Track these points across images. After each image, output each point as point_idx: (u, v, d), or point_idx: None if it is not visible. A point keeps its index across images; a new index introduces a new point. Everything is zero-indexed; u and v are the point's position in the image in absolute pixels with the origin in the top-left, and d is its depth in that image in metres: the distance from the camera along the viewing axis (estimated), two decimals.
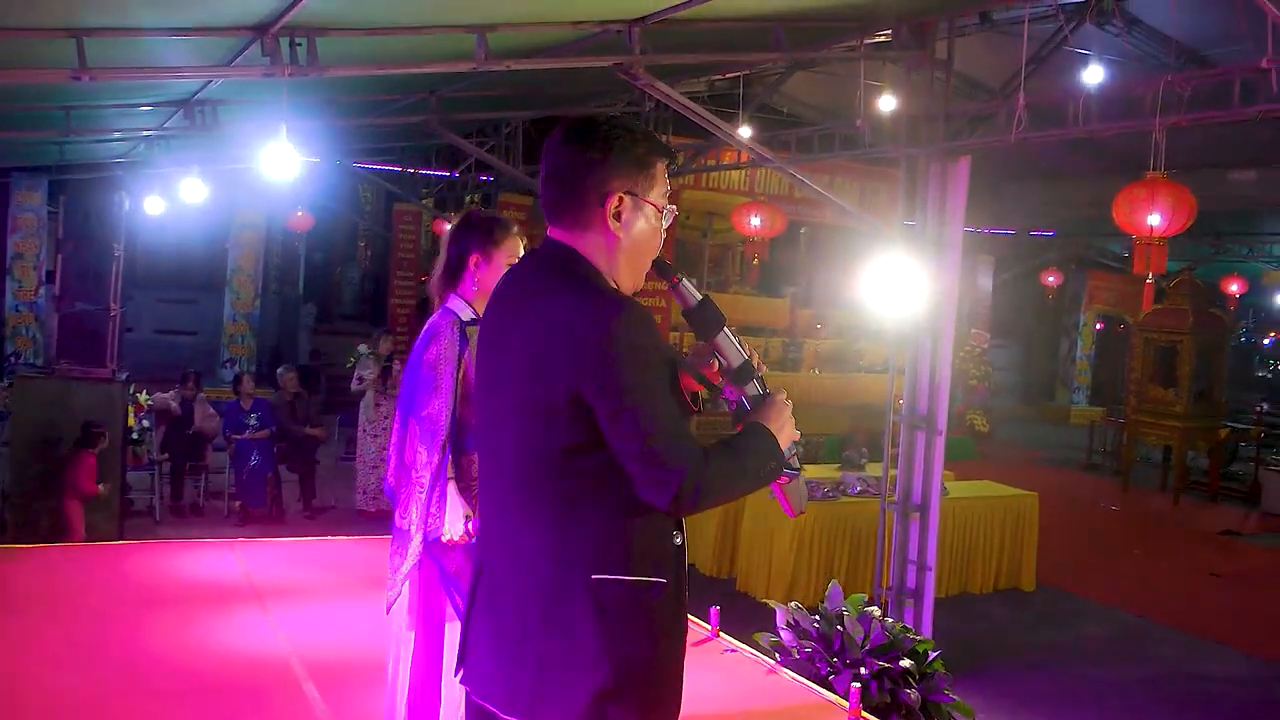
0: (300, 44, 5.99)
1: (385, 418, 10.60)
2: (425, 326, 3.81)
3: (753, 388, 2.31)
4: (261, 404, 11.18)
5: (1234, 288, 17.53)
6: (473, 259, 3.74)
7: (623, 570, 2.12)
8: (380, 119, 11.47)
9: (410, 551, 3.66)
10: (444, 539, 3.64)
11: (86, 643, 5.30)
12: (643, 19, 6.71)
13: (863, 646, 5.75)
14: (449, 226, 3.92)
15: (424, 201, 17.64)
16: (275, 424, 11.07)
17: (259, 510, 10.76)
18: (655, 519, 2.15)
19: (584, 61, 7.11)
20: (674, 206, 2.29)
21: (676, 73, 9.15)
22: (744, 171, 13.35)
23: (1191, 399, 15.56)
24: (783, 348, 16.61)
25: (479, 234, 3.77)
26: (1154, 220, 6.45)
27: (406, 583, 3.72)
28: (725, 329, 2.28)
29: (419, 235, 18.14)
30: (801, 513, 2.40)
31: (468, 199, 19.14)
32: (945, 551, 8.67)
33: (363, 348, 11.73)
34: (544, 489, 2.15)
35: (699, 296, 2.27)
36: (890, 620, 6.20)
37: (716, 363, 2.32)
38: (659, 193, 2.26)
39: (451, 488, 3.66)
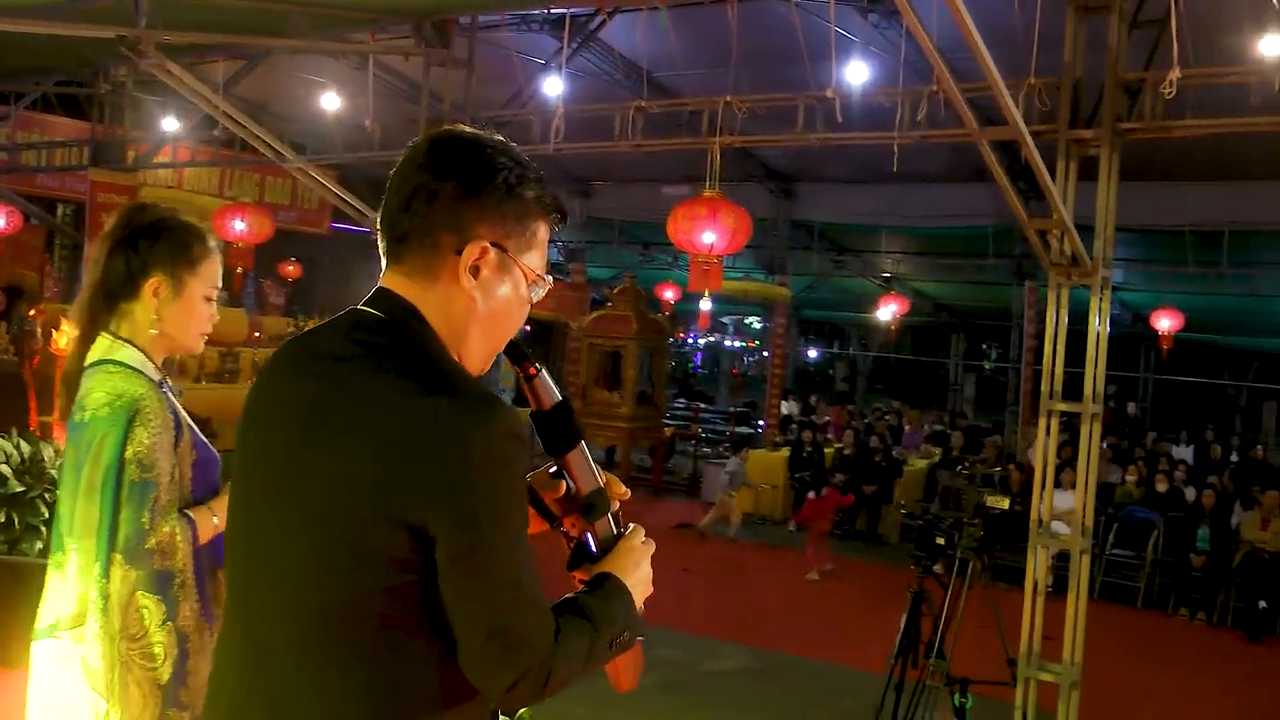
0: None
1: None
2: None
3: (605, 525, 1.80)
4: None
5: (669, 294, 18.81)
6: (152, 283, 2.54)
7: None
8: None
9: None
10: None
11: None
12: None
13: None
14: (106, 228, 2.61)
15: None
16: None
17: None
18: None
19: (82, 29, 6.01)
20: (550, 279, 1.80)
21: (175, 53, 8.13)
22: (215, 171, 12.25)
23: (635, 401, 16.47)
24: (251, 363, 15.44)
25: (167, 246, 2.56)
26: (710, 238, 6.54)
27: None
28: (583, 443, 1.77)
29: None
30: (633, 687, 1.85)
31: None
32: None
33: None
34: (347, 646, 1.55)
35: (558, 397, 1.73)
36: None
37: (564, 486, 1.78)
38: (536, 259, 1.75)
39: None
